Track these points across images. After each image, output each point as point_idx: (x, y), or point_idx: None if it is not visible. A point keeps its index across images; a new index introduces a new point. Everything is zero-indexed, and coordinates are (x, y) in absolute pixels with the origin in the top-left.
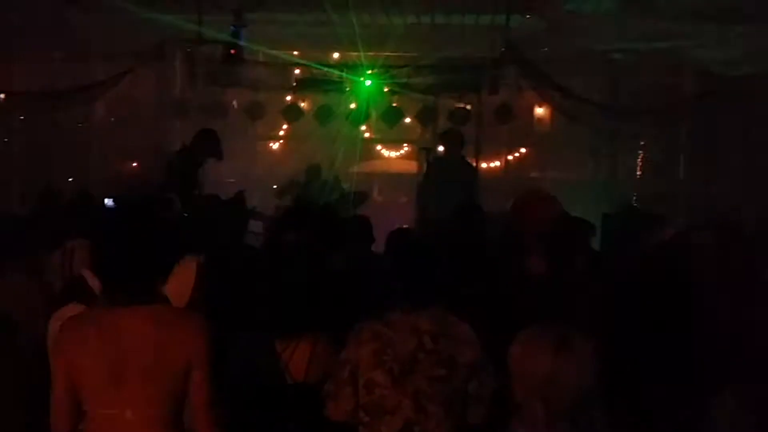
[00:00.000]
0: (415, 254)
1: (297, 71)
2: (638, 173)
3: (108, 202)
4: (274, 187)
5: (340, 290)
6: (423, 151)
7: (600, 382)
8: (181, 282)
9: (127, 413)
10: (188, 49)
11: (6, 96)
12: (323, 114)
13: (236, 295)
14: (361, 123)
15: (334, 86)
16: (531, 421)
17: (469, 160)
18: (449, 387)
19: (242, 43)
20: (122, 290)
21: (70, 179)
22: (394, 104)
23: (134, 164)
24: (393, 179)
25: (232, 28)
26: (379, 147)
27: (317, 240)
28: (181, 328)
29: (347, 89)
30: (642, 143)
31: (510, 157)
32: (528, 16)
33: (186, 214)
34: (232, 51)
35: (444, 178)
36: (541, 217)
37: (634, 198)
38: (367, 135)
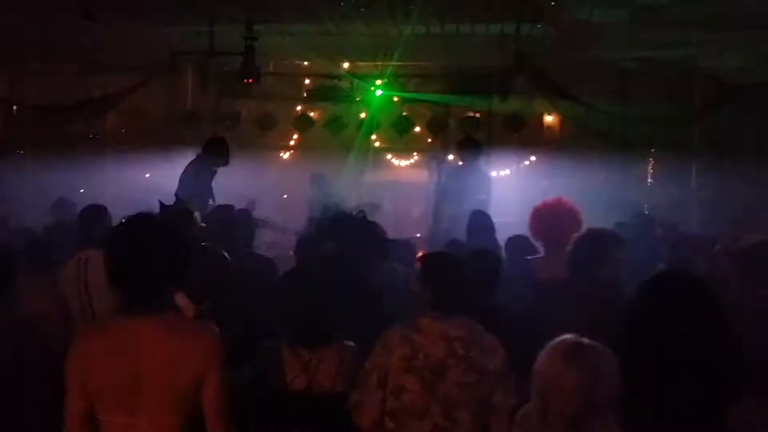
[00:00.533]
0: (445, 263)
1: (307, 81)
2: (649, 181)
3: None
4: (284, 196)
5: (372, 300)
6: (433, 160)
7: (618, 392)
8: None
9: (142, 422)
10: (199, 62)
11: (18, 108)
12: (334, 124)
13: (256, 305)
14: (371, 132)
15: (345, 96)
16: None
17: (485, 170)
18: (478, 394)
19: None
20: (136, 300)
21: (82, 190)
22: (404, 113)
23: (147, 175)
24: (403, 188)
25: (244, 41)
26: (389, 156)
27: (355, 250)
28: (195, 338)
29: (357, 99)
30: (652, 150)
31: (520, 165)
32: (538, 25)
33: (204, 225)
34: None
35: (460, 188)
36: (566, 227)
37: (646, 206)
38: (377, 144)
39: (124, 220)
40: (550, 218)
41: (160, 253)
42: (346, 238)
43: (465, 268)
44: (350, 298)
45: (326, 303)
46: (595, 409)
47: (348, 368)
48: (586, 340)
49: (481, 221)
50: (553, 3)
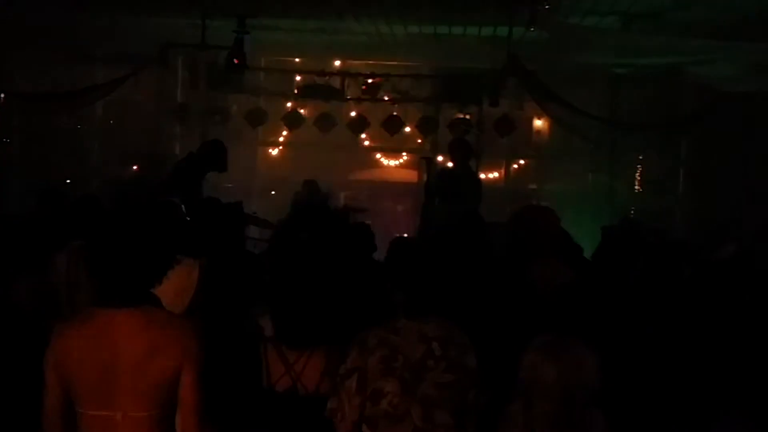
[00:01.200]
0: (417, 262)
1: (298, 78)
2: (637, 187)
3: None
4: (272, 193)
5: (350, 298)
6: (423, 160)
7: (602, 387)
8: (180, 284)
9: (117, 415)
10: (190, 55)
11: (6, 96)
12: (324, 121)
13: (238, 300)
14: (361, 131)
15: (335, 94)
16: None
17: (475, 171)
18: (456, 393)
19: (245, 50)
20: (115, 291)
21: (68, 181)
22: (395, 113)
23: (134, 167)
24: (392, 188)
25: (235, 35)
26: (378, 155)
27: (330, 242)
28: (173, 331)
29: (348, 97)
30: (641, 157)
31: (510, 168)
32: (531, 29)
33: (189, 218)
34: (236, 60)
35: (450, 189)
36: (543, 229)
37: (632, 211)
38: (366, 143)
39: (107, 212)
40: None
41: (141, 246)
42: (318, 228)
43: (438, 265)
44: (330, 293)
45: (305, 300)
46: (577, 403)
47: (334, 370)
48: (566, 337)
49: (471, 222)
50: (546, 7)
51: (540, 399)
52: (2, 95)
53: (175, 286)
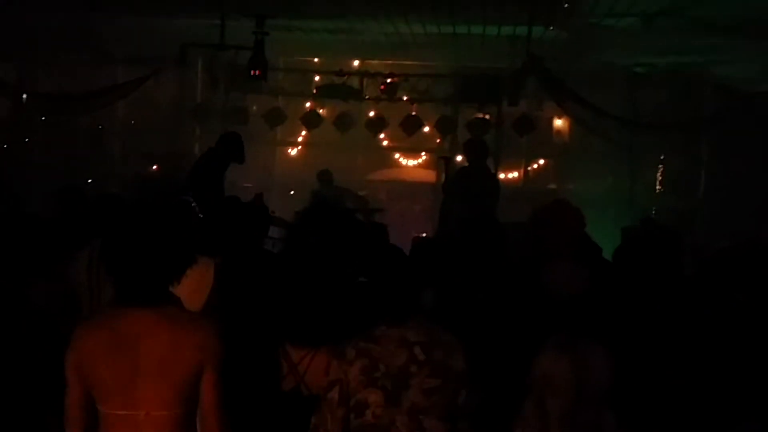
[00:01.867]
0: (392, 266)
1: (317, 78)
2: (658, 188)
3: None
4: (291, 192)
5: (356, 299)
6: (441, 160)
7: (613, 389)
8: (196, 284)
9: (140, 414)
10: (209, 55)
11: (29, 96)
12: (342, 121)
13: (254, 300)
14: (379, 131)
15: (354, 94)
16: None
17: (492, 171)
18: (444, 397)
19: (265, 55)
20: (135, 291)
21: (89, 180)
22: (413, 113)
23: (154, 167)
24: (410, 188)
25: (254, 35)
26: (397, 155)
27: (339, 245)
28: (194, 331)
29: (366, 97)
30: (662, 157)
31: (529, 168)
32: (551, 28)
33: (203, 216)
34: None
35: (467, 188)
36: (565, 229)
37: (653, 212)
38: (385, 143)
39: (124, 211)
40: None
41: (159, 245)
42: (327, 231)
43: (415, 267)
44: (337, 294)
45: (317, 299)
46: (588, 401)
47: (322, 370)
48: (579, 336)
49: (486, 224)
50: (566, 5)
51: (552, 397)
52: (25, 96)
53: (191, 285)
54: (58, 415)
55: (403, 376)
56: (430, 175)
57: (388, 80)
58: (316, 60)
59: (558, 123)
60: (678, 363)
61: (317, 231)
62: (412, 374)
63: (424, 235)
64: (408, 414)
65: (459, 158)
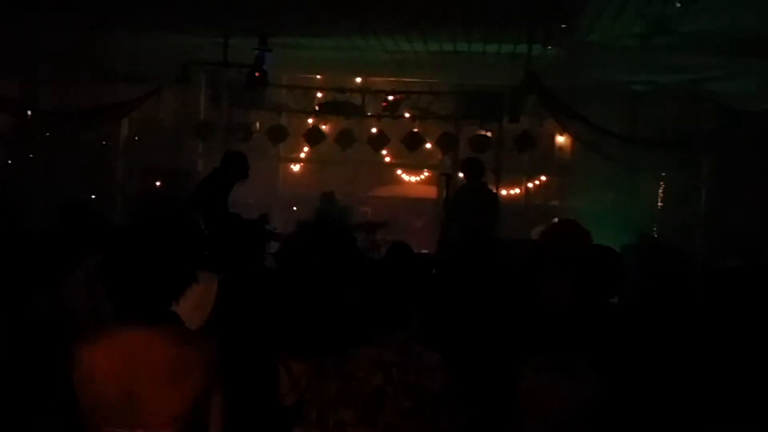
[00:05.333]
0: (375, 281)
1: (319, 95)
2: (659, 204)
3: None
4: (294, 208)
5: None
6: (443, 176)
7: (602, 408)
8: (198, 300)
9: None
10: (212, 72)
11: (33, 113)
12: (344, 138)
13: (255, 317)
14: (381, 148)
15: (356, 110)
16: None
17: (490, 187)
18: (420, 420)
19: (266, 67)
20: (134, 309)
21: (93, 196)
22: (415, 130)
23: (157, 183)
24: (412, 204)
25: (256, 52)
26: (399, 172)
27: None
28: (196, 349)
29: (369, 114)
30: (663, 174)
31: (530, 185)
32: (549, 47)
33: (206, 233)
34: (257, 73)
35: (466, 205)
36: (575, 247)
37: (654, 229)
38: (387, 160)
39: (124, 227)
40: (561, 238)
41: (159, 263)
42: (324, 246)
43: (398, 282)
44: (333, 307)
45: (308, 312)
46: (583, 421)
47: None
48: (567, 355)
49: (478, 242)
50: (563, 26)
51: (545, 419)
52: (29, 112)
53: (193, 302)
54: (53, 424)
55: (377, 397)
56: (431, 192)
57: (390, 97)
58: (318, 77)
59: (559, 140)
60: (684, 379)
61: (316, 247)
62: (387, 395)
63: (425, 251)
64: None
65: (461, 175)
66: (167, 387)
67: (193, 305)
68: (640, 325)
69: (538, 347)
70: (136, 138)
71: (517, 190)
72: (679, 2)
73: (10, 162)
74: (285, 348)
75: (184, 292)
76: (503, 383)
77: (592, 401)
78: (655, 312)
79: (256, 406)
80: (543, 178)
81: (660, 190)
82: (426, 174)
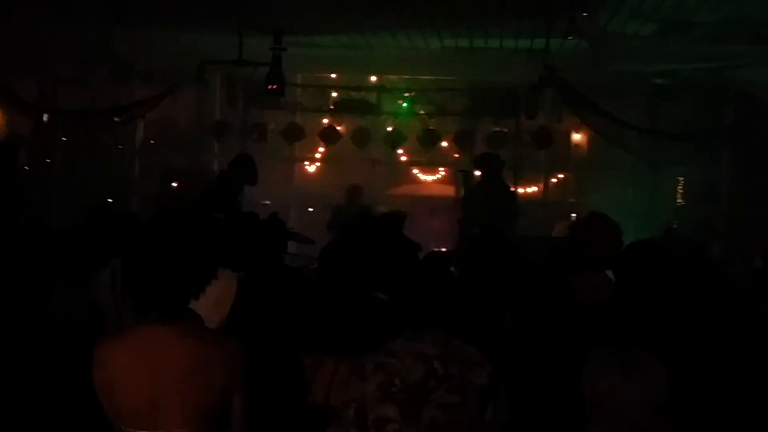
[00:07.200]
0: (413, 278)
1: (334, 94)
2: (679, 200)
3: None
4: (310, 209)
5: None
6: (460, 174)
7: (668, 402)
8: (218, 298)
9: None
10: (227, 71)
11: (50, 116)
12: (360, 137)
13: (276, 315)
14: (397, 146)
15: (372, 109)
16: None
17: (508, 184)
18: (465, 414)
19: (282, 70)
20: (153, 307)
21: (110, 200)
22: (431, 127)
23: (174, 184)
24: (429, 202)
25: (272, 51)
26: (415, 170)
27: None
28: (218, 347)
29: (384, 112)
30: (683, 168)
31: (549, 182)
32: (569, 38)
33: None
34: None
35: (484, 202)
36: (608, 241)
37: (675, 224)
38: (403, 158)
39: (143, 226)
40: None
41: (177, 261)
42: (380, 243)
43: (434, 280)
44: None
45: (336, 311)
46: (657, 418)
47: (343, 381)
48: (634, 350)
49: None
50: (585, 14)
51: (619, 419)
52: (46, 115)
53: (213, 299)
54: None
55: (420, 391)
56: (448, 190)
57: (406, 95)
58: (333, 75)
59: (577, 136)
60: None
61: (374, 244)
62: (430, 389)
63: (444, 250)
64: (427, 430)
65: (478, 172)
66: (188, 386)
67: (213, 303)
68: (682, 319)
69: (581, 343)
70: (152, 141)
71: (536, 188)
72: None
73: (27, 168)
74: (317, 346)
75: (204, 290)
76: (548, 378)
77: (663, 399)
78: (686, 307)
79: (282, 405)
80: (561, 175)
81: (680, 185)
82: (442, 172)
